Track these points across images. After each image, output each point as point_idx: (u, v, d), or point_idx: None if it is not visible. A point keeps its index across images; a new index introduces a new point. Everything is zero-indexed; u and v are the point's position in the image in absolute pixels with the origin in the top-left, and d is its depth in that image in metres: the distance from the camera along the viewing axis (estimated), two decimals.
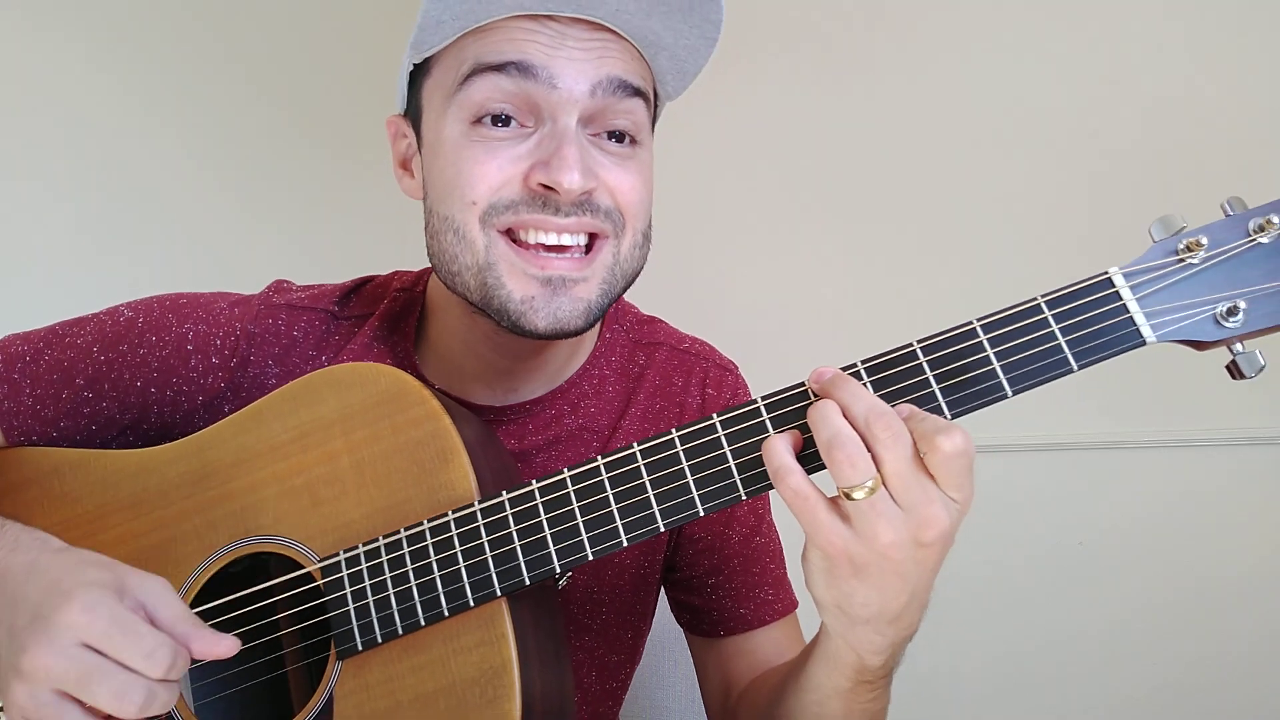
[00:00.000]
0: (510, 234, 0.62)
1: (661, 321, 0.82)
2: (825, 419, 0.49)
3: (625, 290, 0.68)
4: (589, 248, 0.64)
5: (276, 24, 1.49)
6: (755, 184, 1.47)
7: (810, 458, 0.52)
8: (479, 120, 0.62)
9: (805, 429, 0.52)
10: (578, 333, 0.64)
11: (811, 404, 0.52)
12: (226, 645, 0.55)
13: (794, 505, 0.49)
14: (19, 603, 0.54)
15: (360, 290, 0.77)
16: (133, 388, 0.70)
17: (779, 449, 0.50)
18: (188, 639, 0.54)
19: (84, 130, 1.48)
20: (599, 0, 0.60)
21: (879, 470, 0.47)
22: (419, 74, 0.66)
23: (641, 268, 0.69)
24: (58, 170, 1.48)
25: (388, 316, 0.75)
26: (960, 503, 0.48)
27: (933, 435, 0.47)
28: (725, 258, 1.48)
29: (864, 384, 0.52)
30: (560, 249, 0.62)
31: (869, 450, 0.47)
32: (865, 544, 0.48)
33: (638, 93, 0.63)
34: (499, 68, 0.60)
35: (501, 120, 0.62)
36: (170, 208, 1.52)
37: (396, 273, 0.79)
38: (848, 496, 0.47)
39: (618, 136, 0.64)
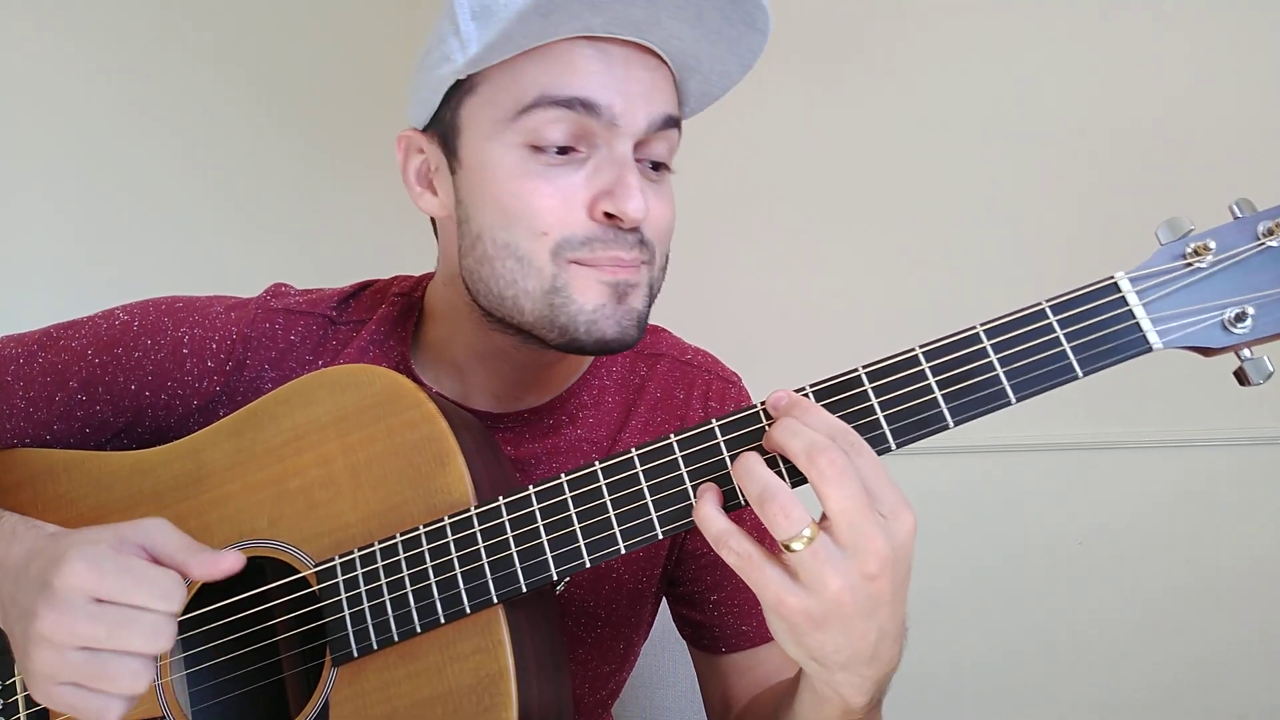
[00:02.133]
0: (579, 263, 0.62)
1: (665, 331, 0.81)
2: (749, 472, 0.48)
3: None
4: None
5: (277, 27, 1.48)
6: (758, 190, 1.46)
7: (791, 470, 0.51)
8: (539, 148, 0.61)
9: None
10: (632, 345, 0.64)
11: (737, 455, 0.51)
12: (229, 562, 0.56)
13: (740, 568, 0.49)
14: (23, 584, 0.55)
15: (360, 295, 0.76)
16: (127, 391, 0.69)
17: (711, 514, 0.50)
18: (187, 566, 0.55)
19: (83, 133, 1.48)
20: (653, 25, 0.59)
21: (824, 508, 0.46)
22: (456, 89, 0.64)
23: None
24: (57, 173, 1.47)
25: (385, 321, 0.74)
26: (889, 516, 0.47)
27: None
28: (728, 263, 1.47)
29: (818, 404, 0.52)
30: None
31: (818, 488, 0.46)
32: (816, 596, 0.46)
33: (676, 123, 0.64)
34: (566, 103, 0.59)
35: (559, 148, 0.61)
36: (169, 211, 1.51)
37: (397, 277, 0.78)
38: (787, 549, 0.46)
39: (653, 164, 0.64)
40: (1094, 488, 1.45)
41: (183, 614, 0.56)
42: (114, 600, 0.52)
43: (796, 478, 0.51)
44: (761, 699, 0.73)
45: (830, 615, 0.47)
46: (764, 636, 0.76)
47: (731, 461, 0.52)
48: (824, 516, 0.47)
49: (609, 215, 0.60)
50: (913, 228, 1.44)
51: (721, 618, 0.76)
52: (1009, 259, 1.42)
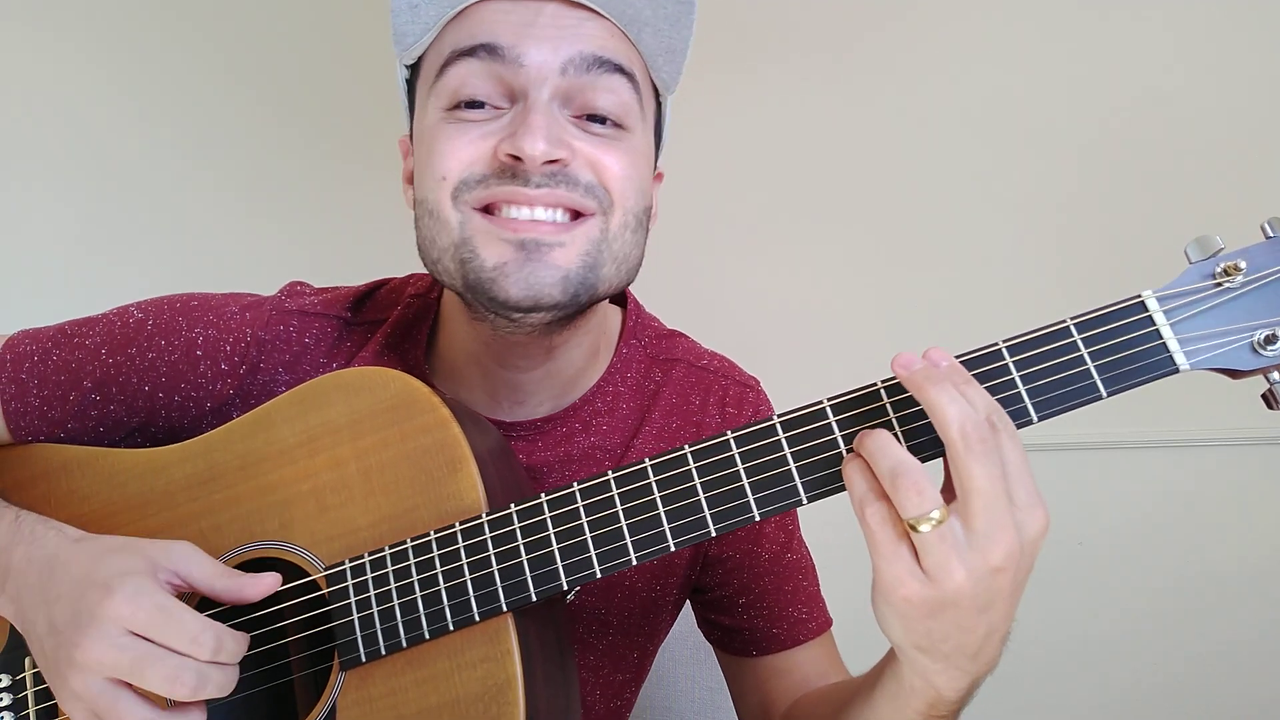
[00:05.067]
0: (485, 211, 0.62)
1: (683, 336, 0.80)
2: (882, 448, 0.46)
3: (620, 278, 0.65)
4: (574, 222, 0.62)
5: (283, 24, 1.46)
6: (764, 190, 1.44)
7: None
8: (455, 106, 0.62)
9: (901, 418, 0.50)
10: (556, 306, 0.61)
11: (872, 416, 0.50)
12: (265, 584, 0.57)
13: (873, 538, 0.46)
14: (53, 599, 0.56)
15: (374, 295, 0.75)
16: (140, 392, 0.69)
17: (855, 477, 0.47)
18: (227, 593, 0.57)
19: (89, 132, 1.47)
20: None
21: (966, 487, 0.44)
22: (413, 80, 0.67)
23: (639, 257, 0.66)
24: (64, 172, 1.47)
25: (400, 323, 0.73)
26: (1022, 509, 0.45)
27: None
28: (727, 263, 1.46)
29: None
30: (536, 224, 0.61)
31: (961, 465, 0.44)
32: (938, 586, 0.45)
33: (619, 69, 0.62)
34: (470, 51, 0.61)
35: (478, 104, 0.62)
36: (177, 209, 1.51)
37: (412, 276, 0.77)
38: (913, 529, 0.44)
39: (600, 119, 0.62)
40: (1094, 488, 1.45)
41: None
42: (147, 636, 0.53)
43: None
44: (811, 701, 0.72)
45: (947, 605, 0.45)
46: (796, 639, 0.75)
47: (848, 443, 0.50)
48: (951, 499, 0.45)
49: (513, 157, 0.59)
50: (917, 229, 1.42)
51: (752, 621, 0.76)
52: (1012, 261, 1.40)
